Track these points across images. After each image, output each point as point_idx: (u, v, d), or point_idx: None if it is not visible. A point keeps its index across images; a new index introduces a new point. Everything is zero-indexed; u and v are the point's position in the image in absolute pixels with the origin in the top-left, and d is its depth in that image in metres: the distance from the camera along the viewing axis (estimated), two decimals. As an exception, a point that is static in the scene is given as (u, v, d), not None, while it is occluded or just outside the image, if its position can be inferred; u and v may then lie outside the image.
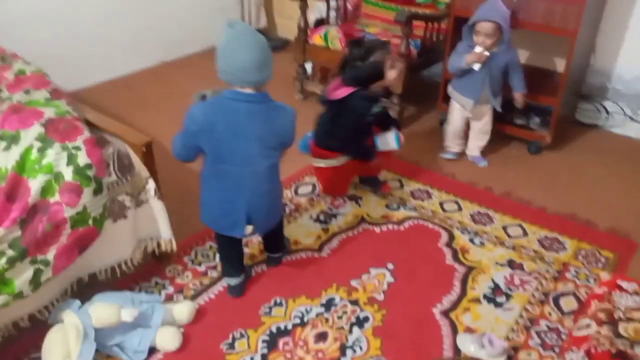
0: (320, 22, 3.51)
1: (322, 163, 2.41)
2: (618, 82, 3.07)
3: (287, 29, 4.31)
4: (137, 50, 3.84)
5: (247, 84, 1.66)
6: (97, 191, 1.62)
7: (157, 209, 1.86)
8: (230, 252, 1.92)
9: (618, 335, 1.75)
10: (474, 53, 2.52)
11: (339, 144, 2.32)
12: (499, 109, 2.70)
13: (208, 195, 1.79)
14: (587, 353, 1.69)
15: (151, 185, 1.83)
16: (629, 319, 1.81)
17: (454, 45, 2.92)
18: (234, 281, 1.93)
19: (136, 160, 1.78)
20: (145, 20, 3.80)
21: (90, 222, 1.61)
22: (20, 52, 2.22)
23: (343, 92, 2.23)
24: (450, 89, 2.76)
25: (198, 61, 4.15)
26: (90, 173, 1.60)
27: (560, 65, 2.99)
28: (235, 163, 1.68)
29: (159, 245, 1.92)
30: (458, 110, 2.74)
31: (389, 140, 2.37)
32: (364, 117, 2.25)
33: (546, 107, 2.88)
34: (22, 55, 2.18)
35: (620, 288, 1.90)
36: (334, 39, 3.18)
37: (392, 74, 2.26)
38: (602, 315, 1.82)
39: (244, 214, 1.74)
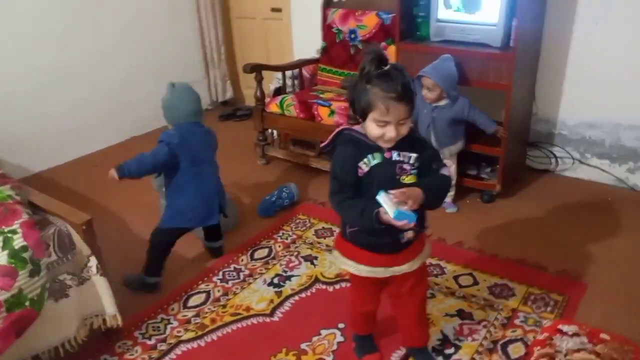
0: (279, 91, 3.68)
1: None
2: (563, 128, 3.20)
3: (253, 99, 4.49)
4: (107, 127, 3.98)
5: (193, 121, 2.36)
6: (35, 273, 1.66)
7: (100, 285, 1.89)
8: (166, 251, 2.35)
9: (560, 379, 1.76)
10: None
11: None
12: (451, 160, 2.83)
13: (187, 198, 2.31)
14: (530, 400, 1.69)
15: (93, 262, 1.87)
16: (570, 362, 1.82)
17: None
18: (156, 279, 2.33)
19: (77, 239, 1.83)
20: (113, 97, 3.97)
21: (27, 304, 1.63)
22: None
23: None
24: None
25: (166, 135, 4.28)
26: (26, 255, 1.64)
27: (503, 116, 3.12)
28: (206, 165, 2.37)
29: (104, 321, 1.93)
30: None
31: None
32: None
33: (496, 156, 2.98)
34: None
35: (561, 332, 1.92)
36: (289, 105, 3.32)
37: None
38: (544, 361, 1.83)
39: (217, 203, 2.41)
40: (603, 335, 1.93)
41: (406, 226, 1.47)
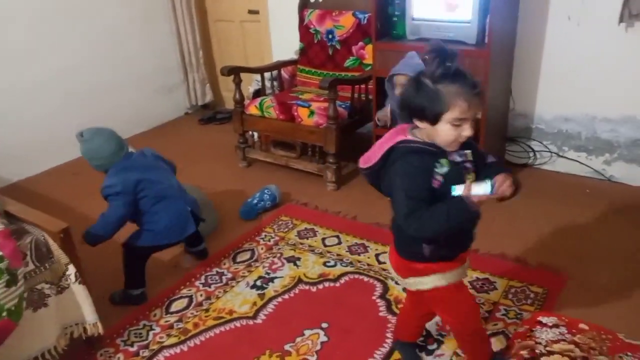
0: (258, 93, 3.67)
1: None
2: (540, 122, 3.25)
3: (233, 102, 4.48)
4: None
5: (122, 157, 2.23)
6: (11, 283, 1.63)
7: (79, 294, 1.87)
8: (143, 264, 2.32)
9: (540, 370, 1.78)
10: (381, 112, 2.67)
11: None
12: None
13: (159, 221, 2.25)
14: (512, 392, 1.71)
15: (71, 270, 1.84)
16: (550, 352, 1.84)
17: (380, 103, 3.09)
18: (141, 290, 2.32)
19: (55, 248, 1.81)
20: (94, 104, 3.93)
21: (5, 314, 1.61)
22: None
23: None
24: None
25: (146, 140, 4.25)
26: (2, 265, 1.61)
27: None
28: (164, 183, 2.30)
29: (85, 330, 1.91)
30: None
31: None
32: None
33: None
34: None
35: (541, 324, 1.94)
36: (269, 107, 3.32)
37: None
38: (524, 353, 1.85)
39: (190, 213, 2.36)
40: (582, 325, 1.97)
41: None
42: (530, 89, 3.20)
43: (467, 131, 1.40)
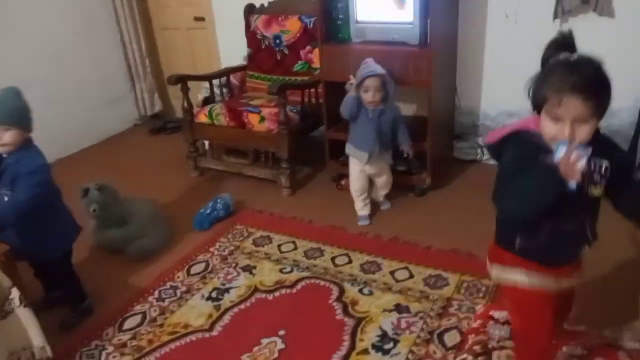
0: (208, 101, 3.63)
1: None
2: (485, 118, 3.34)
3: (182, 110, 4.41)
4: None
5: None
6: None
7: (25, 317, 1.79)
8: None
9: (492, 363, 1.83)
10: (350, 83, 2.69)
11: None
12: (390, 162, 2.86)
13: (59, 222, 2.14)
14: (466, 387, 1.75)
15: (15, 294, 1.77)
16: (502, 347, 1.90)
17: (330, 107, 3.11)
18: (89, 301, 2.29)
19: (-6, 272, 1.74)
20: (39, 119, 3.71)
21: (-60, 347, 1.53)
22: None
23: None
24: (347, 147, 2.82)
25: (94, 153, 4.14)
26: None
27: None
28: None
29: (33, 354, 1.84)
30: (357, 169, 2.79)
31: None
32: None
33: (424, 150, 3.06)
34: None
35: (493, 319, 2.00)
36: (219, 115, 3.28)
37: None
38: (477, 348, 1.90)
39: None
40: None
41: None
42: (474, 87, 3.29)
43: (563, 132, 1.22)
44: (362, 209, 2.86)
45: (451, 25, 3.07)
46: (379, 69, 2.61)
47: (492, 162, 3.26)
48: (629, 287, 2.06)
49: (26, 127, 2.01)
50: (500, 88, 3.21)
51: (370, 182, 2.89)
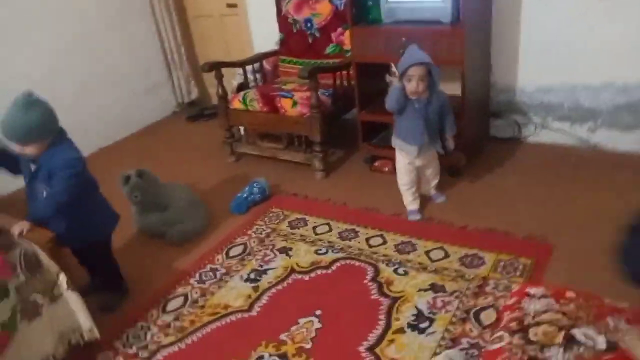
0: (242, 87, 3.68)
1: None
2: (522, 95, 3.26)
3: (217, 97, 4.49)
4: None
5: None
6: (2, 296, 1.66)
7: (73, 301, 1.90)
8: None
9: (529, 341, 1.82)
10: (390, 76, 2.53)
11: None
12: (441, 151, 2.68)
13: (98, 213, 2.24)
14: (501, 364, 1.75)
15: (63, 279, 1.87)
16: (538, 323, 1.88)
17: (362, 89, 3.11)
18: (124, 284, 2.42)
19: (44, 257, 1.84)
20: (79, 109, 3.89)
21: (-1, 327, 1.64)
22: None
23: None
24: (393, 140, 2.68)
25: (134, 141, 4.27)
26: (-8, 280, 1.64)
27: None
28: None
29: (82, 336, 1.95)
30: (405, 161, 2.64)
31: None
32: None
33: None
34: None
35: (529, 295, 1.98)
36: (252, 100, 3.33)
37: None
38: (513, 325, 1.89)
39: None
40: (568, 294, 2.00)
41: None
42: (510, 64, 3.21)
43: None
44: (411, 203, 2.72)
45: (485, 2, 2.99)
46: (423, 56, 2.42)
47: (531, 139, 3.25)
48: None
49: (44, 137, 1.97)
50: (537, 63, 3.12)
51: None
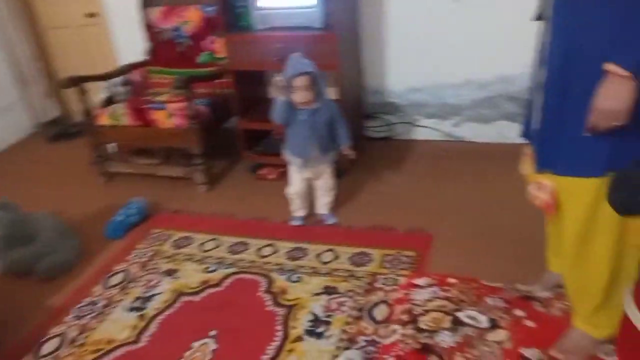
0: (109, 101, 3.43)
1: None
2: (393, 96, 3.42)
3: (82, 114, 4.15)
4: None
5: None
6: None
7: None
8: None
9: (420, 330, 1.91)
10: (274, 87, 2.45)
11: None
12: (332, 163, 2.64)
13: None
14: (398, 358, 1.81)
15: None
16: (426, 311, 1.98)
17: (241, 96, 3.06)
18: None
19: None
20: None
21: None
22: None
23: None
24: (284, 152, 2.61)
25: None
26: None
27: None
28: None
29: None
30: (296, 173, 2.60)
31: None
32: None
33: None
34: None
35: (416, 286, 2.08)
36: (122, 115, 3.12)
37: None
38: (404, 317, 1.97)
39: None
40: (450, 280, 2.14)
41: None
42: (379, 66, 3.36)
43: None
44: (297, 210, 2.69)
45: (352, 6, 3.10)
46: (306, 66, 2.36)
47: (403, 137, 3.42)
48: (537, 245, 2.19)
49: None
50: (404, 66, 3.30)
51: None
